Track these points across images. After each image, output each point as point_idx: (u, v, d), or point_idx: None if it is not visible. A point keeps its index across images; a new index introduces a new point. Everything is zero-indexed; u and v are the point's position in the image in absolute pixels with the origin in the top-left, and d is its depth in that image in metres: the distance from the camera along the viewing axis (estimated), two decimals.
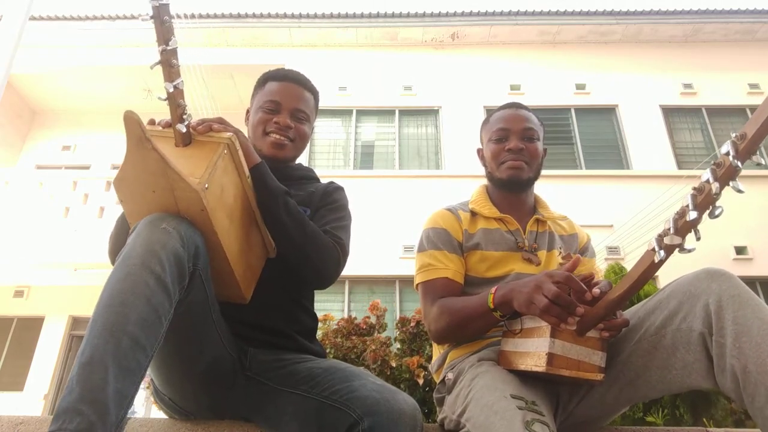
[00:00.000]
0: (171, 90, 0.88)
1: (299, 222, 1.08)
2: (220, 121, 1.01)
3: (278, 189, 1.08)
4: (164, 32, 0.85)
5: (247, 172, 1.03)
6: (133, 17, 8.28)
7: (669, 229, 0.78)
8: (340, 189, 1.35)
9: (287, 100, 1.28)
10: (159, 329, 0.79)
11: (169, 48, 0.86)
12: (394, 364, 3.03)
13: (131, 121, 0.81)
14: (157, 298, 0.79)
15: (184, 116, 0.92)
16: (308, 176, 1.38)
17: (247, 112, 1.36)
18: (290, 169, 1.33)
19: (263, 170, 1.07)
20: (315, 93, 1.37)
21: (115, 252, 1.07)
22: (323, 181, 1.39)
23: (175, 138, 0.94)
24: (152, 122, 1.00)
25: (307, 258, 1.10)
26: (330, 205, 1.28)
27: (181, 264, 0.84)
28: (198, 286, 0.90)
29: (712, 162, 0.73)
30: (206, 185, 0.89)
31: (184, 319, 0.89)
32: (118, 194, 0.93)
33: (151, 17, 0.83)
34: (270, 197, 1.07)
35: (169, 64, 0.87)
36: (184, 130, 0.93)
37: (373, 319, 3.52)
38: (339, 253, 1.15)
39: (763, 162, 0.73)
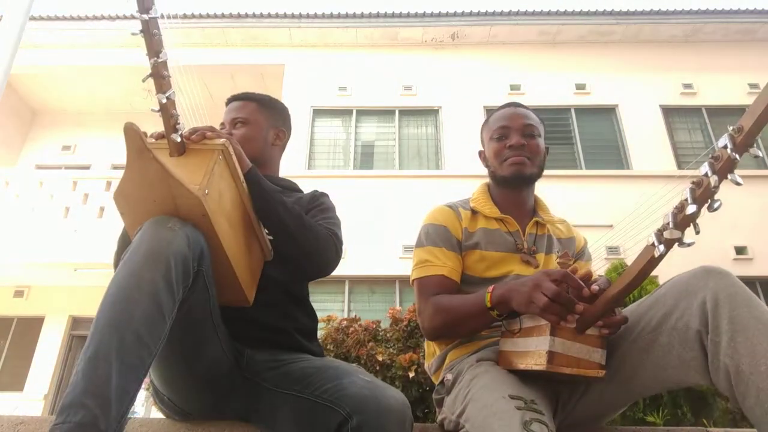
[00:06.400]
0: (164, 101, 0.90)
1: (296, 216, 1.11)
2: (212, 129, 1.03)
3: (272, 188, 1.12)
4: (154, 45, 0.87)
5: (242, 177, 1.05)
6: (133, 17, 8.26)
7: (668, 223, 0.78)
8: (325, 195, 1.40)
9: None
10: (163, 327, 0.80)
11: (159, 60, 0.88)
12: (380, 358, 3.06)
13: (132, 132, 0.82)
14: (162, 296, 0.79)
15: (177, 126, 0.93)
16: (292, 187, 1.43)
17: None
18: (275, 180, 1.36)
19: (256, 173, 1.10)
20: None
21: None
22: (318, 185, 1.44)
23: (169, 148, 0.95)
24: (144, 135, 1.02)
25: (308, 248, 1.12)
26: (318, 207, 1.32)
27: (186, 263, 0.85)
28: (201, 288, 0.91)
29: (710, 155, 0.73)
30: (206, 191, 0.90)
31: (186, 320, 0.90)
32: (119, 207, 0.94)
33: (141, 31, 0.85)
34: (266, 196, 1.09)
35: (160, 76, 0.89)
36: (179, 139, 0.94)
37: (386, 324, 3.53)
38: (335, 241, 1.18)
39: (760, 154, 0.73)
